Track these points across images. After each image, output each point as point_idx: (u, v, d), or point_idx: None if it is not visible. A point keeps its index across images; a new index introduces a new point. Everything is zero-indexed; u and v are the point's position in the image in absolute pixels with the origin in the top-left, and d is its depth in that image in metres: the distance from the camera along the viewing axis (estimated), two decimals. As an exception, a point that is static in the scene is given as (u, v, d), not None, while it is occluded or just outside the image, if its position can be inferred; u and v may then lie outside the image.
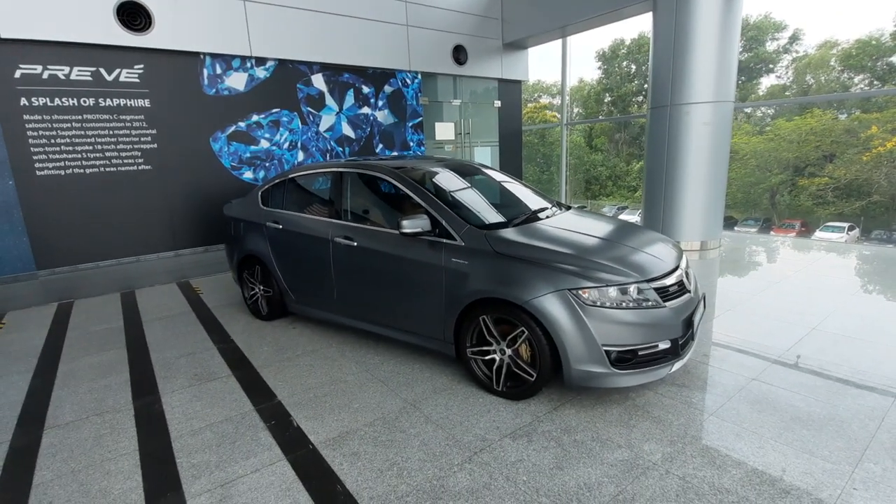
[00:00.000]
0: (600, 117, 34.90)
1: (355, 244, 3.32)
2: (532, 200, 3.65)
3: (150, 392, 3.07)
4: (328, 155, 7.00)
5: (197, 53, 5.73)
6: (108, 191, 5.40)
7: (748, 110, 28.04)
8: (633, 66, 33.56)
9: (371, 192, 3.56)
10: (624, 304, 2.43)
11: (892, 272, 5.13)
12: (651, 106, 6.29)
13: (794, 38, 28.52)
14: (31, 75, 4.87)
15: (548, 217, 3.25)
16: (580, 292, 2.41)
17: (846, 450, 2.20)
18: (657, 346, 2.46)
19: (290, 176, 4.04)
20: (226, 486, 2.12)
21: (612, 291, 2.43)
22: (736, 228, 23.71)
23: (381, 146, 7.55)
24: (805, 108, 24.44)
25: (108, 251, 5.53)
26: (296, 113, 6.62)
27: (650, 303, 2.48)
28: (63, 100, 5.06)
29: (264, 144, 6.40)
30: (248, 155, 6.28)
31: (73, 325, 4.53)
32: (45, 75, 4.94)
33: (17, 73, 4.80)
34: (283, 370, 3.28)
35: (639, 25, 36.73)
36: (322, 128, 6.88)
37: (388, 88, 7.45)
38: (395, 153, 7.71)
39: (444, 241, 2.87)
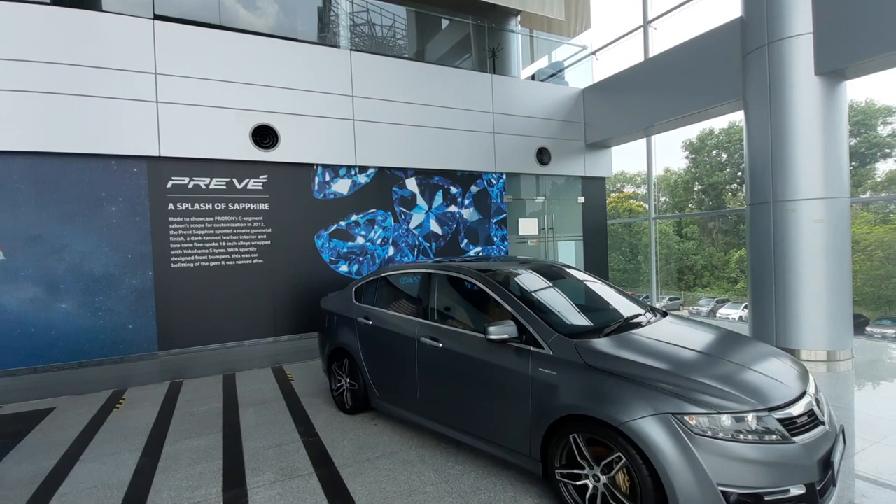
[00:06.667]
0: (690, 206, 33.59)
1: (441, 345, 3.34)
2: (624, 306, 3.49)
3: (238, 484, 3.15)
4: (416, 250, 7.39)
5: (311, 164, 6.59)
6: (225, 281, 6.09)
7: (864, 196, 25.47)
8: (724, 155, 32.58)
9: (458, 294, 3.64)
10: (741, 436, 2.13)
11: None
12: (751, 202, 5.96)
13: (914, 122, 26.19)
14: (180, 185, 5.87)
15: (643, 326, 3.06)
16: (686, 418, 2.17)
17: None
18: (788, 490, 2.09)
19: (382, 274, 4.29)
20: None
21: (726, 420, 2.16)
22: (868, 329, 20.46)
23: (465, 241, 7.84)
24: (940, 195, 21.66)
25: (218, 335, 6.09)
26: (389, 212, 7.19)
27: (774, 436, 2.15)
28: (201, 204, 5.98)
29: (360, 241, 6.95)
30: (345, 250, 6.84)
31: (179, 404, 4.90)
32: (191, 185, 5.92)
33: (169, 184, 5.82)
34: (362, 472, 3.22)
35: (728, 115, 36.25)
36: (412, 225, 7.36)
37: (474, 188, 7.89)
38: (479, 248, 7.94)
39: (532, 348, 2.79)
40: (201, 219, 5.99)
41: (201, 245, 5.99)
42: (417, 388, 3.54)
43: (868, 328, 20.77)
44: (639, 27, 8.89)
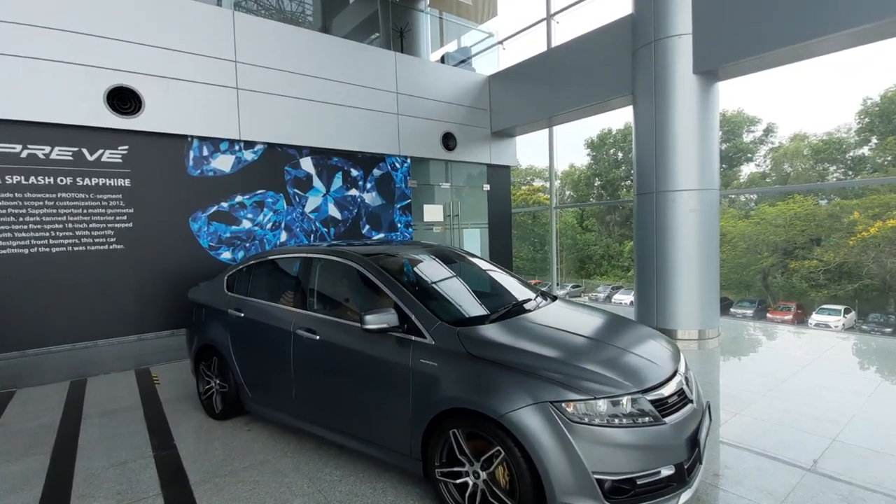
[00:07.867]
0: (591, 200, 36.00)
1: (318, 338, 2.99)
2: (515, 291, 3.39)
3: (57, 517, 2.56)
4: (313, 236, 6.86)
5: (185, 136, 5.76)
6: (72, 270, 5.12)
7: (732, 196, 29.10)
8: (620, 154, 35.25)
9: (341, 281, 3.29)
10: (616, 420, 2.07)
11: (905, 368, 4.78)
12: (637, 192, 6.28)
13: (769, 131, 30.36)
14: (9, 154, 4.80)
15: (530, 311, 2.96)
16: (564, 405, 2.06)
17: None
18: (659, 472, 2.07)
19: (258, 260, 3.80)
20: None
21: (602, 405, 2.08)
22: (732, 310, 23.50)
23: (367, 227, 7.45)
24: (787, 194, 25.39)
25: (64, 334, 5.13)
26: (282, 194, 6.56)
27: (647, 418, 2.12)
28: (39, 178, 4.95)
29: (246, 225, 6.26)
30: (227, 235, 6.11)
31: (3, 420, 4.02)
32: (24, 154, 4.87)
33: (-6, 152, 4.74)
34: (222, 488, 2.78)
35: (624, 116, 39.25)
36: (308, 209, 6.80)
37: (377, 171, 7.50)
38: (381, 235, 7.59)
39: (413, 338, 2.55)
40: (39, 195, 4.96)
41: (39, 227, 4.97)
42: (293, 387, 3.15)
43: (732, 309, 23.83)
44: (542, 20, 9.02)
